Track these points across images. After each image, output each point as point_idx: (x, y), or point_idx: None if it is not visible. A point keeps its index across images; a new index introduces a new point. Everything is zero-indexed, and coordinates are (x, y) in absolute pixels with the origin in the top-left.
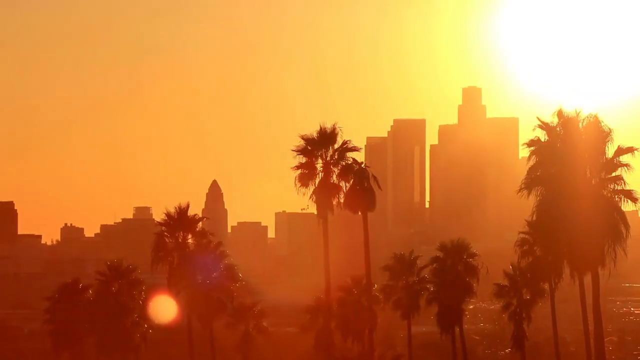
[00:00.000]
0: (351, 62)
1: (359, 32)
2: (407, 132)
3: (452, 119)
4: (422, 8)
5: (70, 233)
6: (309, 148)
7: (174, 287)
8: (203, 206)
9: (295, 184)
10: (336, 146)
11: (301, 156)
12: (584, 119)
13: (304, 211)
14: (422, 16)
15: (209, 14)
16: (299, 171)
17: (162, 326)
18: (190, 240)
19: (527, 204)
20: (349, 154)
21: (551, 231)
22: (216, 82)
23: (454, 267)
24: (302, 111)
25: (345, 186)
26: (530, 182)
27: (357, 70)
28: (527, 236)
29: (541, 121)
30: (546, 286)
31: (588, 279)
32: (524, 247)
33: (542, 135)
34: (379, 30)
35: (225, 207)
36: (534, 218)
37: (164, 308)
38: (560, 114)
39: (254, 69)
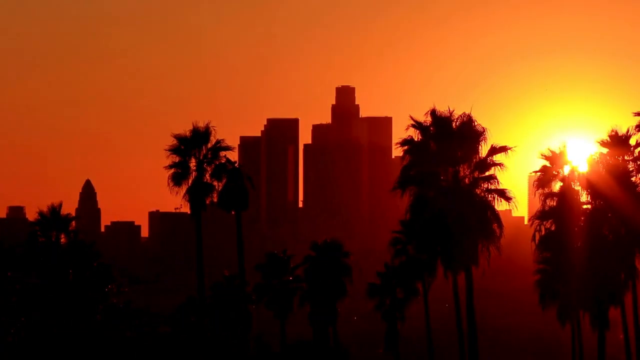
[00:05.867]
0: (224, 61)
1: (231, 30)
2: (280, 131)
3: (326, 118)
4: (295, 7)
5: None
6: (182, 147)
7: (47, 287)
8: (76, 205)
9: (169, 183)
10: (209, 145)
11: (174, 155)
12: (457, 118)
13: (177, 210)
14: (294, 15)
15: (72, 16)
16: (172, 170)
17: None
18: (63, 240)
19: (401, 203)
20: (223, 153)
21: (424, 230)
22: (88, 81)
23: (327, 267)
24: (175, 110)
25: (219, 185)
26: (404, 181)
27: (230, 69)
28: (400, 235)
29: (414, 120)
30: (420, 285)
31: (462, 278)
32: (398, 247)
33: (416, 135)
34: (252, 29)
35: (99, 206)
36: (408, 217)
37: None
38: (433, 113)
39: (126, 67)
